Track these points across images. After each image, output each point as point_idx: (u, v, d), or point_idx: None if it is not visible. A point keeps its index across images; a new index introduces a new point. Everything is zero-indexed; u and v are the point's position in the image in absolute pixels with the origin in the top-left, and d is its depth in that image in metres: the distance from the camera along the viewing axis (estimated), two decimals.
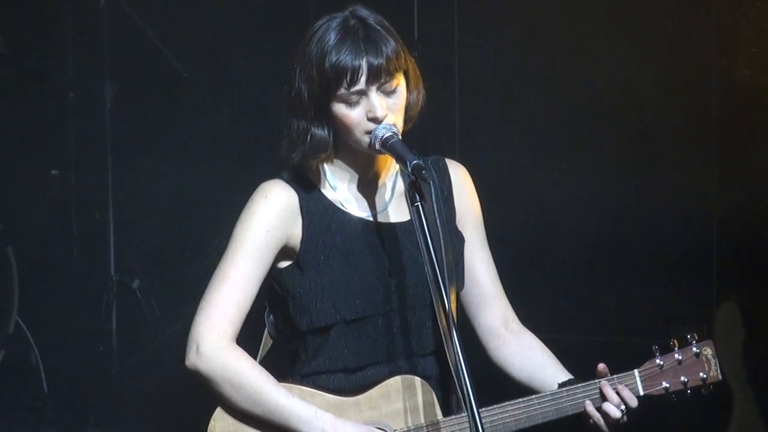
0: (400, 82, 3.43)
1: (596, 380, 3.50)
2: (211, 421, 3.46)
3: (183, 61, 6.72)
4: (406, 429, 3.46)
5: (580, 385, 3.50)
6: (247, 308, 3.48)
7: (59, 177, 6.81)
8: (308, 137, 3.46)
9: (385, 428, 3.45)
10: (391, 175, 3.57)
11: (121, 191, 6.82)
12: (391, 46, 3.41)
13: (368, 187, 3.55)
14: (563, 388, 3.50)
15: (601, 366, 3.51)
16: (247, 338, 3.54)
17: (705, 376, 3.54)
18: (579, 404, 3.49)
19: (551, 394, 3.49)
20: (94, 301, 6.74)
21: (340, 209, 3.53)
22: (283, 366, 3.54)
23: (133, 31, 6.70)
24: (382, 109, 3.39)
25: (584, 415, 3.49)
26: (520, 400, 3.47)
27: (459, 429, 3.45)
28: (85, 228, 6.85)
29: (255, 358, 3.56)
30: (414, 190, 3.29)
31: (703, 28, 5.62)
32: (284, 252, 3.50)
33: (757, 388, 5.38)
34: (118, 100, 6.81)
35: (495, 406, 3.44)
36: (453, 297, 3.22)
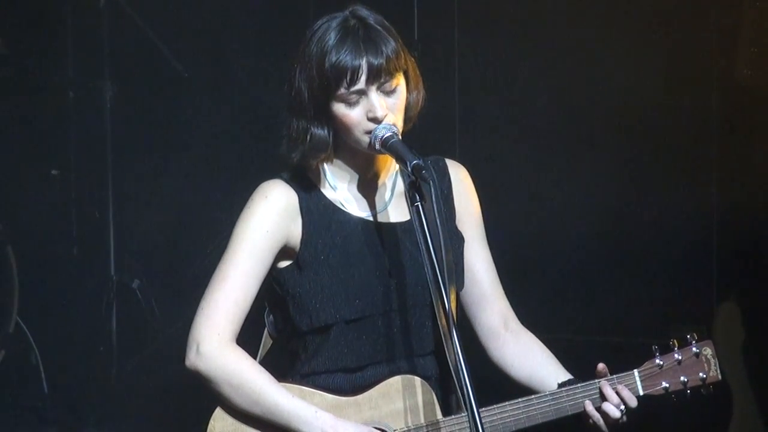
0: (399, 82, 3.43)
1: (596, 380, 3.50)
2: (211, 421, 3.46)
3: (183, 61, 6.72)
4: (405, 429, 3.46)
5: (579, 385, 3.50)
6: (247, 308, 3.48)
7: (59, 177, 6.81)
8: (308, 137, 3.46)
9: (384, 428, 3.45)
10: (390, 175, 3.57)
11: (121, 191, 6.83)
12: (391, 46, 3.41)
13: (368, 187, 3.55)
14: (563, 388, 3.50)
15: (601, 366, 3.51)
16: (247, 338, 3.54)
17: (705, 376, 3.54)
18: (578, 404, 3.49)
19: (551, 394, 3.49)
20: (94, 301, 6.74)
21: (340, 209, 3.53)
22: (283, 366, 3.54)
23: (133, 31, 6.70)
24: (381, 109, 3.39)
25: (584, 415, 3.49)
26: (520, 400, 3.47)
27: (459, 429, 3.45)
28: (85, 228, 6.85)
29: (255, 358, 3.56)
30: (414, 190, 3.28)
31: (703, 28, 5.62)
32: (284, 252, 3.50)
33: (757, 388, 5.38)
34: (118, 100, 6.82)
35: (495, 406, 3.44)
36: (453, 297, 3.23)
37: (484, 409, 3.39)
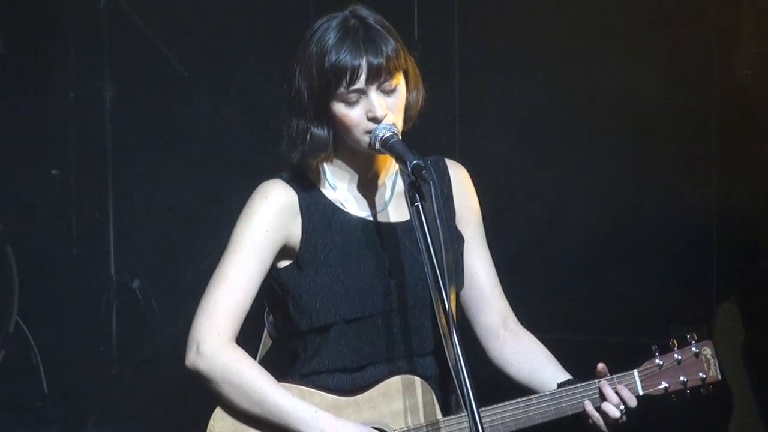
0: (399, 81, 3.43)
1: (595, 380, 3.50)
2: (211, 421, 3.46)
3: (183, 61, 6.72)
4: (405, 429, 3.46)
5: (579, 384, 3.50)
6: (247, 308, 3.48)
7: (59, 177, 6.81)
8: (308, 137, 3.46)
9: (384, 428, 3.45)
10: (390, 174, 3.57)
11: (121, 191, 6.83)
12: (390, 45, 3.41)
13: (368, 186, 3.55)
14: (562, 388, 3.50)
15: (601, 366, 3.51)
16: (247, 338, 3.54)
17: (704, 376, 3.54)
18: (578, 404, 3.49)
19: (550, 394, 3.48)
20: (94, 301, 6.74)
21: (340, 209, 3.52)
22: (283, 366, 3.54)
23: (133, 31, 6.70)
24: (381, 108, 3.39)
25: (583, 415, 3.49)
26: (520, 400, 3.47)
27: (458, 429, 3.45)
28: (85, 228, 6.85)
29: (255, 358, 3.56)
30: (414, 190, 3.28)
31: (703, 28, 5.62)
32: (284, 252, 3.50)
33: (757, 388, 5.38)
34: (118, 100, 6.82)
35: (494, 406, 3.44)
36: (453, 297, 3.23)
37: (483, 409, 3.39)
